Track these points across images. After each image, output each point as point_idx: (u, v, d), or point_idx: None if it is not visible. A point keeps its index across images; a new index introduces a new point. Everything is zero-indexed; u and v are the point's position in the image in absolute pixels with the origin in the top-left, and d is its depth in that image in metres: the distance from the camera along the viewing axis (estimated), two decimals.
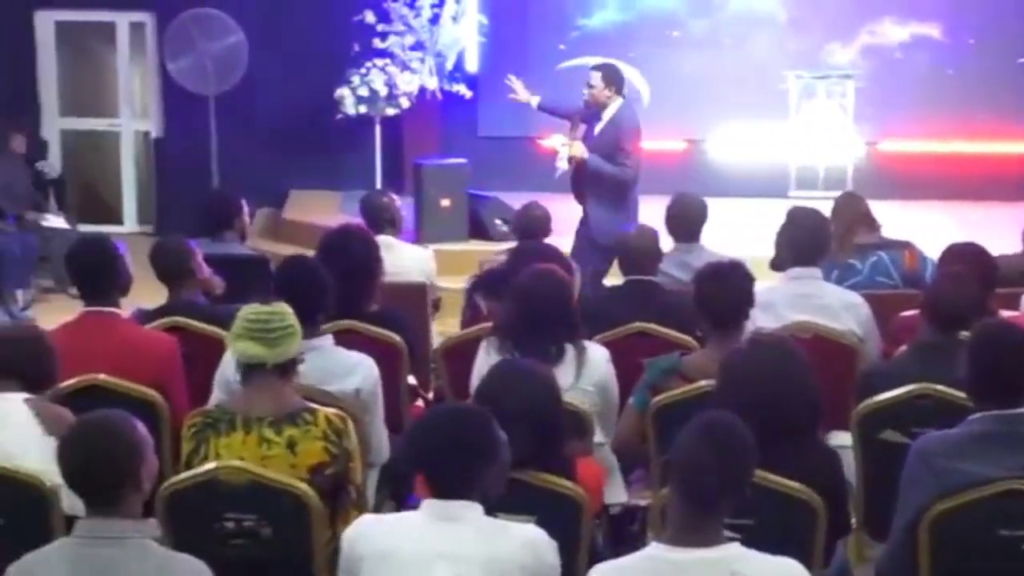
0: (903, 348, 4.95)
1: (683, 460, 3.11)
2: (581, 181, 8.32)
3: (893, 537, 3.95)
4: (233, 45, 12.02)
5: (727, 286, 4.68)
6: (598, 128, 8.29)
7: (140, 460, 3.30)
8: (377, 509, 4.66)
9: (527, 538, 3.28)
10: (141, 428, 3.37)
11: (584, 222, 8.34)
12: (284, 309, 4.00)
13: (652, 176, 11.74)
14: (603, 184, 8.17)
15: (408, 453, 3.45)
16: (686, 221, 6.41)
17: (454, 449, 3.27)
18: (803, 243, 5.64)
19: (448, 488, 3.26)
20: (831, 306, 5.42)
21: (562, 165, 8.39)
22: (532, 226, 6.82)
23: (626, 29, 12.79)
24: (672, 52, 12.69)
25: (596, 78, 8.30)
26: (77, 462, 3.28)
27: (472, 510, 3.26)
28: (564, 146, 8.40)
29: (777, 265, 5.82)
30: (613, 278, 5.99)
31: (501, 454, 3.34)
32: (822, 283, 5.60)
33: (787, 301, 5.41)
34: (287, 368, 4.00)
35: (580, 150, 8.18)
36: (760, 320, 4.95)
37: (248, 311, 3.96)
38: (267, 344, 3.92)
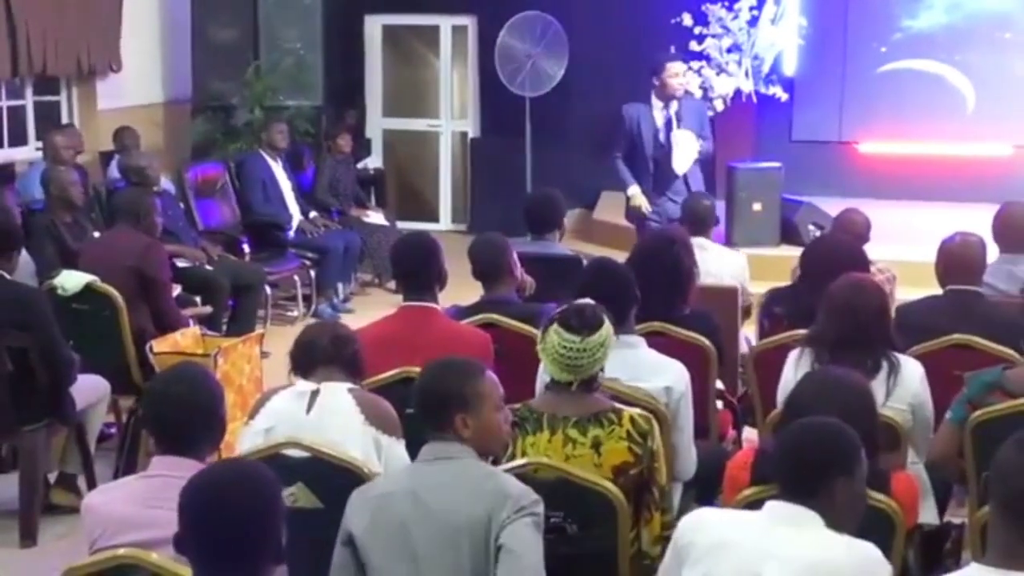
0: None
1: (1005, 478, 2.96)
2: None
3: None
4: (557, 48, 12.26)
5: None
6: (678, 109, 8.40)
7: None
8: (682, 512, 4.64)
9: (863, 557, 3.16)
10: None
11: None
12: (594, 343, 3.97)
13: (976, 183, 11.40)
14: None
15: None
16: (1015, 230, 6.14)
17: (812, 458, 3.20)
18: None
19: (796, 494, 3.20)
20: None
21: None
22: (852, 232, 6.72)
23: (953, 31, 12.39)
24: (1002, 54, 12.24)
25: (681, 67, 8.46)
26: None
27: (814, 520, 3.18)
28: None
29: None
30: (926, 287, 5.73)
31: (858, 471, 3.26)
32: None
33: None
34: (591, 382, 4.04)
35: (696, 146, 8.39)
36: None
37: (561, 341, 3.95)
38: (574, 373, 3.98)
